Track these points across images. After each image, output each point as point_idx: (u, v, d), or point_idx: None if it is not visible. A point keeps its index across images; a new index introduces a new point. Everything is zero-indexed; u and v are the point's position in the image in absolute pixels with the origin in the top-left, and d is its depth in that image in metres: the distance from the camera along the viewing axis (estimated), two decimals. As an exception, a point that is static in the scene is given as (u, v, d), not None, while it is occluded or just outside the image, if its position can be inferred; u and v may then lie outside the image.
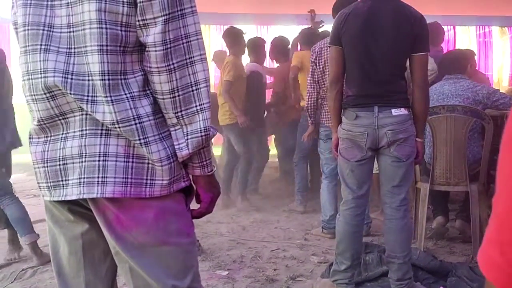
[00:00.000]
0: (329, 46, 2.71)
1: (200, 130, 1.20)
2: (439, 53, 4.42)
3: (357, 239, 2.72)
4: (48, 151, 1.23)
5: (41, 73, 1.18)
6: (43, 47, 1.19)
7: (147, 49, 1.17)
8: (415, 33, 2.51)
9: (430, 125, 3.38)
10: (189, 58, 1.17)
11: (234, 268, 3.25)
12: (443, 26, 4.93)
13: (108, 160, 1.17)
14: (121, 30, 1.16)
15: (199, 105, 1.19)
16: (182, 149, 1.21)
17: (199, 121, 1.19)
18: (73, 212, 1.30)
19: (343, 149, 2.65)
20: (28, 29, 1.20)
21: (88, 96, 1.16)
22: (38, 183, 1.29)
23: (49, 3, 1.21)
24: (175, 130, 1.21)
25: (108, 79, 1.15)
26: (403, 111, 2.52)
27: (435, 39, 4.28)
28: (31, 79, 1.21)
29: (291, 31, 5.29)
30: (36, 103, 1.22)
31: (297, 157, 4.75)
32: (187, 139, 1.20)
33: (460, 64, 3.61)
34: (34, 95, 1.21)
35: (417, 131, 2.59)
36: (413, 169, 2.69)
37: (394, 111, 2.51)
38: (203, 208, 1.34)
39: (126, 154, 1.18)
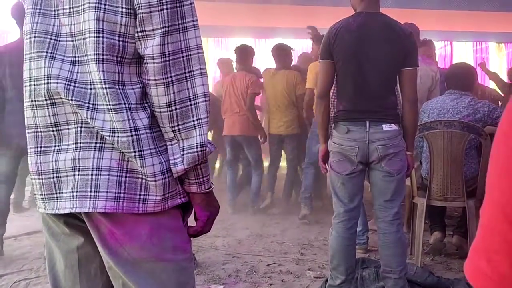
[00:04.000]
0: (320, 61, 2.71)
1: (196, 146, 1.17)
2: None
3: (351, 253, 2.71)
4: (40, 163, 1.22)
5: (44, 79, 1.18)
6: (48, 54, 1.19)
7: (145, 61, 1.16)
8: (405, 48, 2.55)
9: (428, 140, 3.38)
10: (189, 72, 1.16)
11: (230, 282, 3.21)
12: (440, 42, 4.96)
13: (101, 174, 1.15)
14: (118, 40, 1.15)
15: (197, 119, 1.17)
16: (177, 164, 1.18)
17: (196, 136, 1.17)
18: (68, 225, 1.27)
19: (334, 162, 2.66)
20: (34, 37, 1.21)
21: (89, 103, 1.16)
22: (34, 194, 1.27)
23: (55, 12, 1.21)
24: (171, 144, 1.19)
25: (108, 88, 1.14)
26: (393, 126, 2.55)
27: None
28: (34, 85, 1.21)
29: (289, 44, 5.30)
30: (36, 109, 1.21)
31: (306, 162, 4.79)
32: (183, 154, 1.17)
33: (467, 81, 3.57)
34: (35, 101, 1.21)
35: (407, 145, 2.62)
36: (405, 183, 2.70)
37: (385, 127, 2.53)
38: (198, 227, 1.28)
39: (119, 168, 1.16)
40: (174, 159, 1.18)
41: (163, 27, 1.13)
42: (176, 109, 1.15)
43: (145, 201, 1.17)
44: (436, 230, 3.75)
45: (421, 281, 2.94)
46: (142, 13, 1.13)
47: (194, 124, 1.17)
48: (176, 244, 1.24)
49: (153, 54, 1.13)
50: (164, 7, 1.13)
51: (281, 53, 5.13)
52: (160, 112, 1.17)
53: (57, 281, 1.33)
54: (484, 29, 8.02)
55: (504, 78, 6.07)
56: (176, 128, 1.17)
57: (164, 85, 1.14)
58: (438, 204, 3.49)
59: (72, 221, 1.26)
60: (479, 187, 3.36)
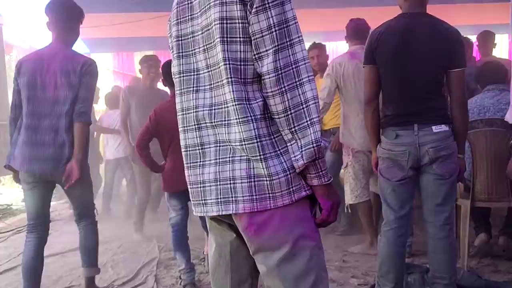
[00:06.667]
0: (364, 66, 2.68)
1: (312, 142, 1.37)
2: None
3: (400, 260, 2.66)
4: (191, 175, 1.54)
5: (193, 109, 1.51)
6: (194, 88, 1.51)
7: (263, 77, 1.39)
8: (451, 49, 2.49)
9: (469, 140, 3.30)
10: (298, 81, 1.37)
11: (273, 292, 3.19)
12: (475, 36, 4.86)
13: (236, 183, 1.42)
14: (239, 65, 1.40)
15: (309, 119, 1.37)
16: (298, 160, 1.39)
17: (310, 134, 1.37)
18: (219, 223, 1.59)
19: (383, 169, 2.62)
20: (183, 76, 1.54)
21: (225, 120, 1.43)
22: (192, 200, 1.58)
23: (192, 51, 1.52)
24: (291, 144, 1.41)
25: (237, 104, 1.39)
26: (443, 127, 2.49)
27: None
28: (185, 114, 1.54)
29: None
30: (187, 132, 1.54)
31: None
32: (302, 151, 1.38)
33: (501, 74, 3.52)
34: (187, 126, 1.54)
35: (458, 148, 2.54)
36: (456, 186, 2.62)
37: (435, 128, 2.48)
38: (324, 216, 1.47)
39: (248, 176, 1.41)
40: (295, 156, 1.40)
41: (273, 46, 1.36)
42: (291, 113, 1.37)
43: (274, 198, 1.41)
44: (481, 231, 3.66)
45: (468, 285, 2.87)
46: (256, 38, 1.38)
47: (307, 124, 1.37)
48: (305, 232, 1.46)
49: (268, 70, 1.37)
50: (273, 29, 1.36)
51: None
52: (279, 117, 1.39)
53: (212, 266, 1.65)
54: (520, 20, 7.79)
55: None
56: (293, 129, 1.38)
57: (279, 94, 1.37)
58: (482, 205, 3.40)
59: (223, 220, 1.55)
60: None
